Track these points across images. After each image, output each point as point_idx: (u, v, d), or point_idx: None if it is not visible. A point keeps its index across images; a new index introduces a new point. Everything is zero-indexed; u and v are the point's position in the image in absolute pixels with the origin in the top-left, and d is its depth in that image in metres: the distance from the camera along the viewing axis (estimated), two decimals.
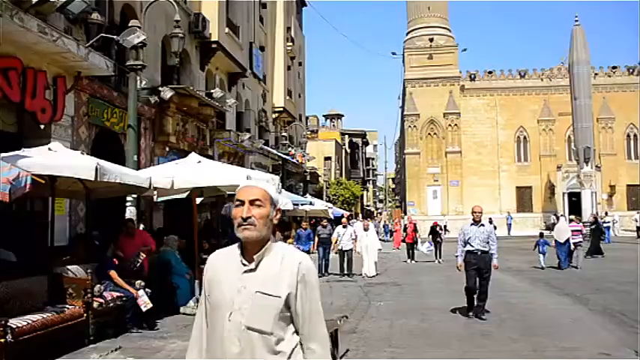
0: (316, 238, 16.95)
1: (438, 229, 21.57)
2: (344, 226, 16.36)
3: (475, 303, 9.09)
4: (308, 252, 16.16)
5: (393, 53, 51.27)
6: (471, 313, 9.09)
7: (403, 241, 22.33)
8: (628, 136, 48.07)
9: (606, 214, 36.89)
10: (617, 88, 47.64)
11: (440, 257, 20.37)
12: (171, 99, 14.43)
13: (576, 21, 40.65)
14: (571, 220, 19.84)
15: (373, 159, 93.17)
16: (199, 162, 10.04)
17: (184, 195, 10.81)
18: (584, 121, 39.81)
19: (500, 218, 42.70)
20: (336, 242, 16.15)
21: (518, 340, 7.52)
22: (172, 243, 10.52)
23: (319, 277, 15.03)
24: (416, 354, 6.96)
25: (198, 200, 11.87)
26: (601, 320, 8.99)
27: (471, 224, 9.10)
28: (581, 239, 18.25)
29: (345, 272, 15.80)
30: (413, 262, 20.15)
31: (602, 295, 11.52)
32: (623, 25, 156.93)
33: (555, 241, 17.53)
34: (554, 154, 47.34)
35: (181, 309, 9.56)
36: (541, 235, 18.54)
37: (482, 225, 9.11)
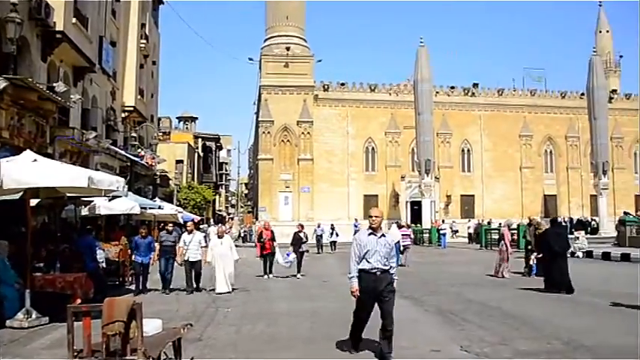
0: (157, 246, 14.13)
1: (302, 235, 18.05)
2: (190, 232, 13.83)
3: (380, 337, 6.79)
4: (148, 265, 13.76)
5: (250, 59, 51.36)
6: (353, 351, 6.99)
7: (262, 251, 17.39)
8: (462, 150, 52.71)
9: (443, 221, 39.93)
10: (455, 106, 52.13)
11: (299, 271, 17.31)
12: (6, 90, 13.14)
13: (421, 42, 43.78)
14: (402, 226, 22.81)
15: (227, 163, 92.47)
16: (35, 160, 9.24)
17: (17, 196, 9.90)
18: (425, 135, 42.97)
19: (349, 225, 44.51)
20: (181, 252, 13.61)
21: None
22: (2, 249, 9.58)
23: (164, 293, 13.29)
24: (260, 359, 7.00)
25: (34, 202, 10.96)
26: (434, 320, 9.67)
27: (369, 233, 6.72)
28: (410, 242, 21.60)
29: (193, 288, 13.49)
30: (270, 276, 16.84)
31: (437, 297, 12.41)
32: (463, 48, 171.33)
33: None
34: (399, 164, 50.42)
35: (8, 322, 8.71)
36: None
37: (384, 235, 6.77)
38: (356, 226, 31.01)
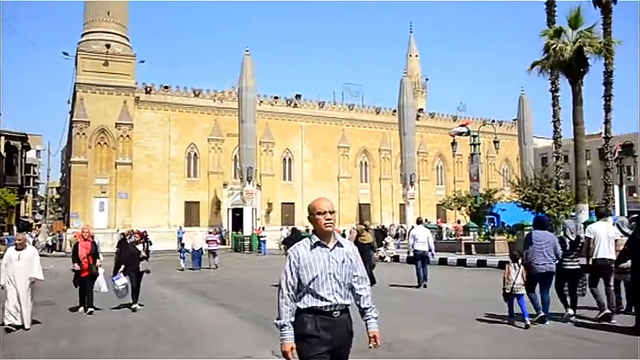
0: None
1: (141, 247, 13.28)
2: None
3: None
4: None
5: (65, 53, 47.59)
6: None
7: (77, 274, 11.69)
8: (284, 159, 54.19)
9: (263, 228, 40.56)
10: (278, 116, 53.51)
11: (137, 299, 11.94)
12: None
13: (247, 51, 44.18)
14: (210, 232, 26.15)
15: (35, 165, 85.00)
16: None
17: None
18: (248, 143, 43.34)
19: (170, 232, 43.58)
20: None
21: (170, 352, 7.71)
22: None
23: None
24: None
25: None
26: (248, 326, 9.84)
27: (314, 245, 3.78)
28: (217, 247, 24.35)
29: None
30: (90, 311, 11.33)
31: (252, 303, 12.63)
32: (287, 60, 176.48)
33: (192, 248, 22.96)
34: (222, 171, 50.30)
35: None
36: (182, 245, 24.32)
37: (340, 245, 3.79)
38: (179, 233, 29.20)
